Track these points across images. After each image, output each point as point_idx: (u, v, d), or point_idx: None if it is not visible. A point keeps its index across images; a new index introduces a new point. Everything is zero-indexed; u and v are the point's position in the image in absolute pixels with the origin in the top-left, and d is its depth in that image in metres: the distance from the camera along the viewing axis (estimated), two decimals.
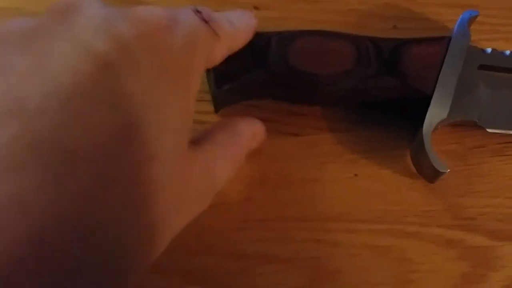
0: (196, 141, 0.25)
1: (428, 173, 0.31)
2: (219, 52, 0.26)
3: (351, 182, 0.32)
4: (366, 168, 0.32)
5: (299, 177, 0.32)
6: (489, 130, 0.32)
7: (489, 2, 0.37)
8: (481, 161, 0.33)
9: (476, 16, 0.34)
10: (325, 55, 0.31)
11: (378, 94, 0.32)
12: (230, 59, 0.30)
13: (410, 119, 0.32)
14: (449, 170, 0.30)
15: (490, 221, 0.31)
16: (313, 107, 0.33)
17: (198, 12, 0.24)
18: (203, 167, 0.25)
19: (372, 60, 0.31)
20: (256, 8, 0.36)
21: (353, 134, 0.33)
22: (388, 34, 0.36)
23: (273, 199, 0.31)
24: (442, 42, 0.32)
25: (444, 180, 0.31)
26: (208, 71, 0.31)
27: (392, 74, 0.31)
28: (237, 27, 0.27)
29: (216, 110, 0.32)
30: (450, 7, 0.37)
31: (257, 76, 0.30)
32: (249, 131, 0.29)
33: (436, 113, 0.31)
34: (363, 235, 0.30)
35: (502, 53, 0.34)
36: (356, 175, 0.32)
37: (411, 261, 0.30)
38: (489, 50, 0.34)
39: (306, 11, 0.36)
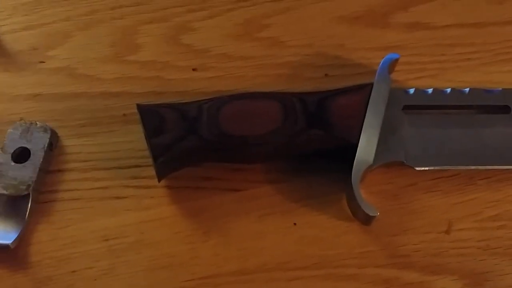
0: None
1: (361, 217, 0.33)
2: None
3: (290, 231, 0.33)
4: (304, 216, 0.34)
5: (240, 231, 0.33)
6: (417, 169, 0.34)
7: (415, 41, 0.39)
8: (414, 199, 0.34)
9: (397, 59, 0.36)
10: (253, 117, 0.33)
11: (307, 146, 0.33)
12: (164, 132, 0.32)
13: (343, 164, 0.34)
14: (378, 213, 0.32)
15: (424, 257, 0.32)
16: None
17: None
18: None
19: (298, 116, 0.33)
20: (194, 70, 0.39)
21: (290, 184, 0.35)
22: (320, 83, 0.38)
23: (216, 256, 0.33)
24: (365, 89, 0.34)
25: (378, 221, 0.33)
26: (147, 143, 0.33)
27: (318, 127, 0.33)
28: None
29: (159, 179, 0.34)
30: (377, 50, 0.39)
31: (190, 145, 0.32)
32: None
33: (362, 161, 0.33)
34: (304, 281, 0.32)
35: (424, 92, 0.35)
36: (295, 223, 0.34)
37: None
38: (411, 90, 0.35)
39: (242, 68, 0.38)
